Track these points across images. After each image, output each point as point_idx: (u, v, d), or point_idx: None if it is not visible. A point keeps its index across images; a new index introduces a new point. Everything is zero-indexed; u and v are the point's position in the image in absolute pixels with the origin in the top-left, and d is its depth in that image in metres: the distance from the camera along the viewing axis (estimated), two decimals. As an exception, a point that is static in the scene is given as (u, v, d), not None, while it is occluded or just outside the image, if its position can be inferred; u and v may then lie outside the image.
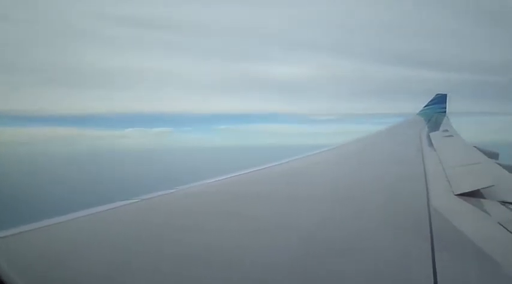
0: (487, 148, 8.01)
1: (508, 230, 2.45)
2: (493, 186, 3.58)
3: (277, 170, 5.20)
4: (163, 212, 3.08)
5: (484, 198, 3.38)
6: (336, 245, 2.21)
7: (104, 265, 1.90)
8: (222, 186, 4.11)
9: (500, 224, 2.59)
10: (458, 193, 3.49)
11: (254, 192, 3.81)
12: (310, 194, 3.72)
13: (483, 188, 3.53)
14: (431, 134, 10.37)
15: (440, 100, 18.54)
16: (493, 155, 7.27)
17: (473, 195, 3.43)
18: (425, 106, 18.80)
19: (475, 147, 7.88)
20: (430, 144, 8.22)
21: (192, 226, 2.64)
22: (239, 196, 3.62)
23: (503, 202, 3.28)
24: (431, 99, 18.89)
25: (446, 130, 11.12)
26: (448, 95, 18.55)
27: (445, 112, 17.94)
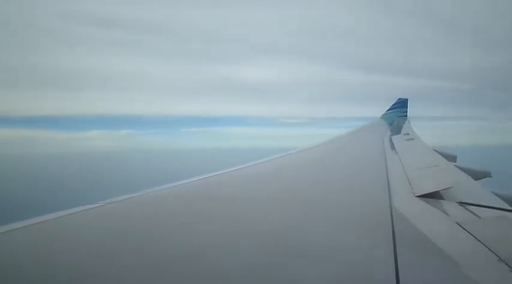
0: (446, 151, 8.33)
1: (466, 230, 2.54)
2: (451, 187, 3.70)
3: (241, 173, 5.18)
4: (124, 217, 3.00)
5: (443, 199, 3.50)
6: (298, 248, 2.21)
7: (65, 268, 1.85)
8: (182, 189, 4.07)
9: (458, 224, 2.68)
10: (419, 194, 3.59)
11: (217, 195, 3.78)
12: (273, 197, 3.72)
13: (442, 189, 3.65)
14: (393, 137, 10.65)
15: (402, 105, 19.14)
16: (451, 158, 7.55)
17: (433, 196, 3.53)
18: (387, 110, 19.36)
19: (434, 150, 8.17)
20: (393, 147, 8.44)
21: (152, 230, 2.58)
22: (201, 200, 3.58)
23: (461, 203, 3.40)
24: (393, 103, 19.47)
25: (408, 134, 11.45)
26: (409, 100, 19.18)
27: (406, 116, 18.54)
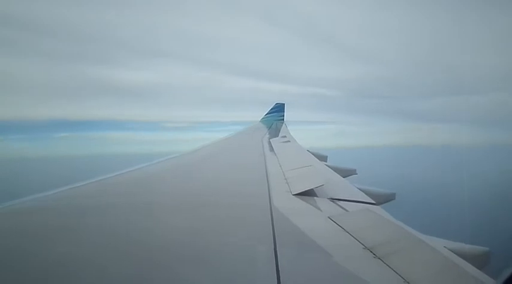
0: (318, 152, 8.99)
1: (336, 223, 2.77)
2: (323, 185, 4.00)
3: (120, 179, 4.86)
4: None
5: (317, 196, 3.76)
6: (182, 249, 2.16)
7: None
8: (46, 200, 3.62)
9: (330, 218, 2.91)
10: (296, 193, 3.81)
11: (87, 204, 3.47)
12: (154, 201, 3.58)
13: (316, 187, 3.93)
14: (271, 140, 11.15)
15: (279, 109, 20.20)
16: (323, 158, 8.18)
17: (308, 193, 3.78)
18: (266, 114, 20.24)
19: (308, 151, 8.76)
20: (271, 148, 8.81)
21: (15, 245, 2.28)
22: (66, 211, 3.23)
23: (332, 199, 3.70)
24: (271, 107, 20.44)
25: (285, 136, 12.10)
26: (285, 104, 20.34)
27: (283, 119, 19.61)
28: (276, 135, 13.05)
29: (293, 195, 3.78)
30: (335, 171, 6.16)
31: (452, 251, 2.47)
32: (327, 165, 6.85)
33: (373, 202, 3.79)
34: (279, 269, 1.84)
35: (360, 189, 4.40)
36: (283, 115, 19.93)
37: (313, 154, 8.18)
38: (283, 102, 20.47)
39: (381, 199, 4.07)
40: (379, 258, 2.09)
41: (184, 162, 6.89)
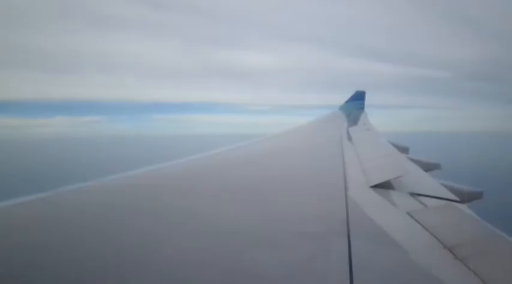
0: (402, 139, 8.62)
1: (415, 220, 2.68)
2: (402, 176, 3.88)
3: (202, 163, 5.17)
4: (79, 205, 2.92)
5: (395, 189, 3.65)
6: (256, 236, 2.24)
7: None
8: (141, 178, 4.01)
9: (408, 214, 2.82)
10: (373, 184, 3.73)
11: (171, 185, 3.74)
12: (230, 186, 3.74)
13: (394, 178, 3.82)
14: (350, 128, 10.94)
15: (359, 97, 19.67)
16: (404, 150, 7.86)
17: (386, 186, 3.68)
18: (346, 101, 19.83)
19: (389, 142, 8.46)
20: (349, 138, 8.66)
21: (105, 220, 2.54)
22: (160, 189, 3.54)
23: (412, 194, 3.57)
24: (351, 95, 19.97)
25: (364, 125, 11.80)
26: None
27: (363, 108, 19.07)
28: (355, 124, 12.76)
29: (370, 186, 3.72)
30: (417, 164, 5.91)
31: None
32: (408, 157, 6.59)
33: (457, 199, 3.59)
34: (352, 261, 1.85)
35: (443, 185, 4.19)
36: (364, 104, 19.38)
37: (393, 145, 7.89)
38: (363, 90, 19.90)
39: (466, 197, 3.83)
40: (459, 260, 2.00)
41: (262, 148, 7.05)
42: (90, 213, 2.69)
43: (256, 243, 2.12)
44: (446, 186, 4.13)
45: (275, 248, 2.03)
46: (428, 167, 6.06)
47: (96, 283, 1.63)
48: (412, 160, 6.24)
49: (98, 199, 3.12)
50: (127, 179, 3.89)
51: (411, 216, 2.77)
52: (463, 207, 3.34)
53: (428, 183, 4.49)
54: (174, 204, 2.98)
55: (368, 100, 19.55)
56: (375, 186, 3.69)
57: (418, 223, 2.61)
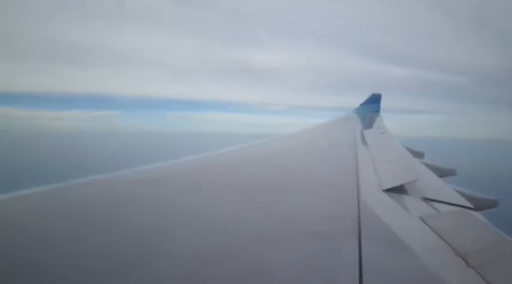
0: (417, 143, 8.52)
1: (427, 225, 2.64)
2: (416, 180, 3.83)
3: (214, 161, 5.21)
4: (89, 199, 2.96)
5: (408, 194, 3.62)
6: (267, 235, 2.24)
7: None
8: (151, 174, 4.04)
9: (420, 218, 2.79)
10: (386, 188, 3.70)
11: (180, 182, 3.77)
12: (242, 184, 3.75)
13: (408, 183, 3.77)
14: (365, 132, 10.85)
15: (375, 100, 19.47)
16: (418, 154, 7.77)
17: (399, 190, 3.64)
18: (361, 104, 19.65)
19: (403, 146, 8.37)
20: (364, 141, 8.60)
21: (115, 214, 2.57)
22: (167, 185, 3.56)
23: (425, 199, 3.53)
24: (367, 98, 19.77)
25: (379, 128, 11.69)
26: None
27: (378, 111, 18.87)
28: (370, 127, 12.67)
29: (383, 190, 3.69)
30: (431, 169, 5.83)
31: None
32: (423, 162, 6.51)
33: (471, 207, 3.54)
34: (362, 264, 1.83)
35: (457, 191, 4.12)
36: (379, 107, 19.19)
37: (408, 149, 7.81)
38: (379, 93, 19.69)
39: (481, 205, 3.77)
40: (471, 267, 1.96)
41: (274, 148, 7.05)
42: (95, 208, 2.72)
43: (267, 242, 2.12)
44: (460, 193, 4.06)
45: (286, 247, 2.03)
46: (443, 173, 5.98)
47: (100, 277, 1.65)
48: (427, 165, 6.17)
49: (104, 194, 3.16)
50: (135, 174, 3.92)
51: (423, 221, 2.73)
52: (477, 215, 3.29)
53: (442, 188, 4.43)
54: (185, 202, 3.00)
55: (383, 103, 19.35)
56: (388, 190, 3.66)
57: (430, 228, 2.58)
